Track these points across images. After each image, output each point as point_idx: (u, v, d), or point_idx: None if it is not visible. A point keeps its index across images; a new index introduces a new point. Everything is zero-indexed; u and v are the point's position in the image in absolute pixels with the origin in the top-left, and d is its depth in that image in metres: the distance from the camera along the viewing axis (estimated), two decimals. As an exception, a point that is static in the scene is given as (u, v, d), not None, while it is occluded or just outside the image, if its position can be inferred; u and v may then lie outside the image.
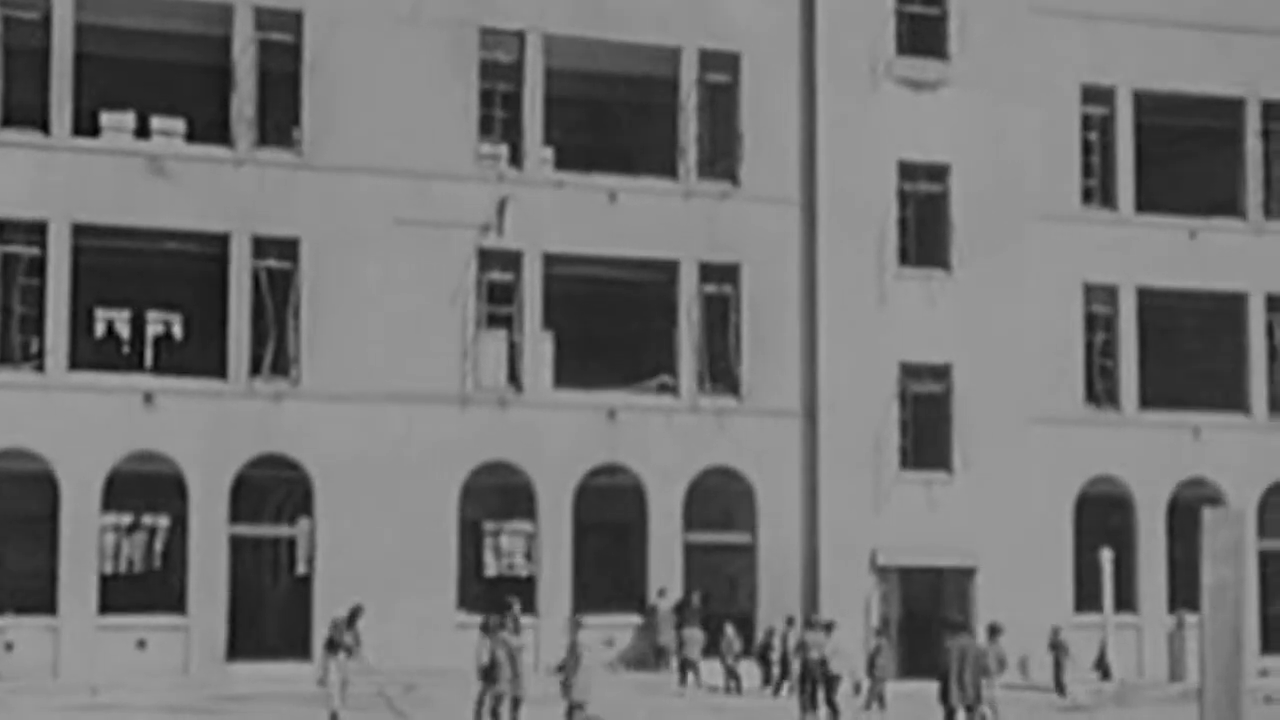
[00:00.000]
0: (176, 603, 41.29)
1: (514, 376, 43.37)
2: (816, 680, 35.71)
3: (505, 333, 43.45)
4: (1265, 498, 48.24)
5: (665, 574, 43.62)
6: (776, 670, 41.32)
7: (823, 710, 35.76)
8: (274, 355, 41.69)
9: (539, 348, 43.66)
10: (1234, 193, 49.62)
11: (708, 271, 44.82)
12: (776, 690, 40.77)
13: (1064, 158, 47.55)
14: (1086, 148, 48.05)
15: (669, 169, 44.95)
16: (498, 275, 43.36)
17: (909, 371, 45.84)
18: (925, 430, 45.83)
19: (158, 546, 56.72)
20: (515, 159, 43.81)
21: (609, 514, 44.97)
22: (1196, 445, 47.95)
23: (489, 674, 28.93)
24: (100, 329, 50.87)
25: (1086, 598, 46.03)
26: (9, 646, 39.40)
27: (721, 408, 44.53)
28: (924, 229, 46.37)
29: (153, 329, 52.68)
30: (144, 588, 49.78)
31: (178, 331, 52.42)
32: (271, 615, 46.39)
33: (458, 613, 41.98)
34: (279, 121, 42.46)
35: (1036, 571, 45.66)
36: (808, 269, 45.36)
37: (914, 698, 36.69)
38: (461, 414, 42.55)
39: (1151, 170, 48.62)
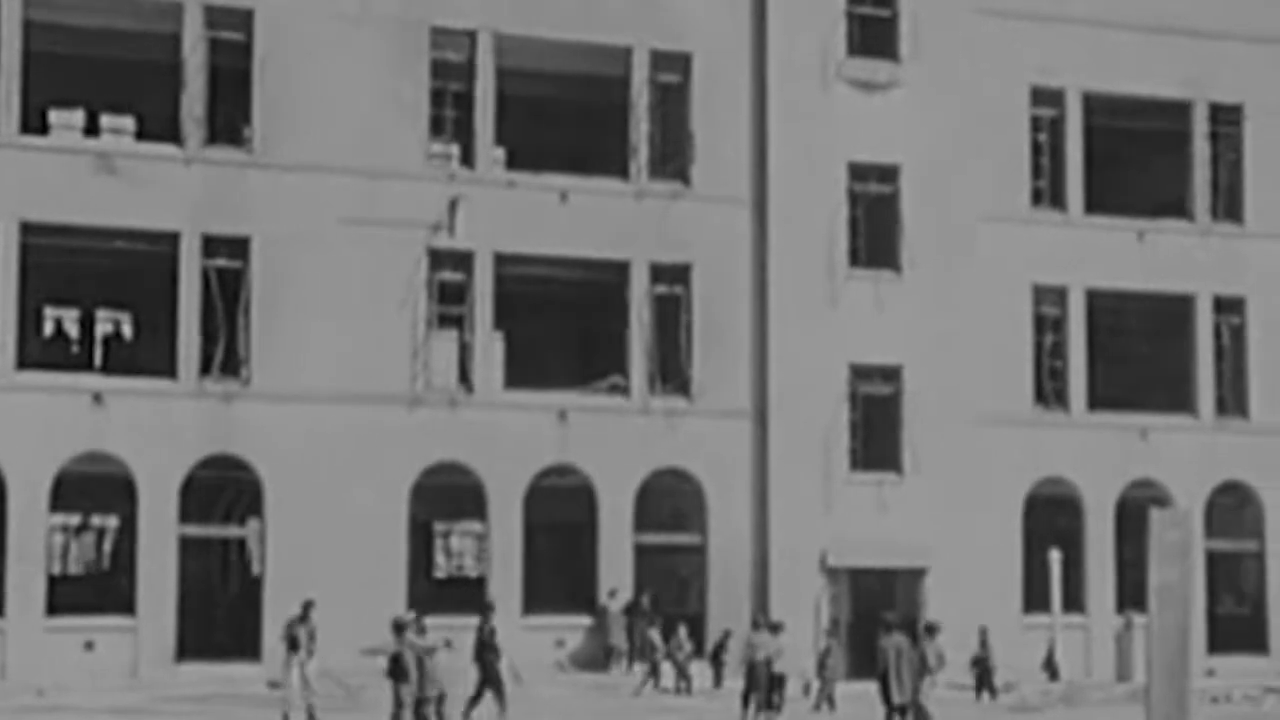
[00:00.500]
0: (125, 604, 41.08)
1: (465, 377, 43.32)
2: (761, 680, 35.72)
3: (456, 333, 43.40)
4: (1212, 498, 48.50)
5: (616, 575, 43.63)
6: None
7: (762, 710, 35.80)
8: (224, 355, 41.55)
9: (490, 348, 43.62)
10: (1182, 195, 49.89)
11: (659, 272, 44.85)
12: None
13: (1013, 159, 47.74)
14: (1036, 149, 48.25)
15: (620, 169, 44.96)
16: (449, 275, 43.31)
17: (859, 373, 45.95)
18: (875, 431, 45.95)
19: (106, 547, 56.45)
20: (466, 159, 43.76)
21: (559, 515, 44.94)
22: (1144, 446, 48.19)
23: (396, 674, 29.01)
24: (49, 328, 50.62)
25: (1035, 598, 46.21)
26: (-44, 648, 39.19)
27: (672, 408, 44.55)
28: (874, 230, 46.49)
29: (102, 328, 52.44)
30: (92, 589, 49.51)
31: (127, 331, 52.18)
32: (221, 616, 46.18)
33: (408, 614, 41.82)
34: (229, 120, 42.31)
35: (986, 572, 45.81)
36: (758, 270, 45.43)
37: (864, 698, 36.67)
38: (412, 414, 42.48)
39: (1100, 172, 48.85)
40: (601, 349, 45.81)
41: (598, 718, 35.74)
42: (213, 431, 41.19)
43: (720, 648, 42.23)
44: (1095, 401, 48.19)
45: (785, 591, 44.30)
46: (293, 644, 32.77)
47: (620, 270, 44.74)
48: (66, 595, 42.09)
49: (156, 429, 40.73)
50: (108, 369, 47.14)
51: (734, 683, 39.50)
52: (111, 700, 36.28)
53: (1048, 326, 47.99)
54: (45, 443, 40.01)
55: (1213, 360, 49.45)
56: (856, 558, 45.21)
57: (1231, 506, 49.09)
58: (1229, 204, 49.95)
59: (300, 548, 41.15)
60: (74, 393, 40.74)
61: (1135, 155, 51.04)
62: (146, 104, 42.77)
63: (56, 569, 51.18)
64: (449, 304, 43.34)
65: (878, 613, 44.00)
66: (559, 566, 45.85)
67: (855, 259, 46.27)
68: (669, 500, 44.81)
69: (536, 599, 42.41)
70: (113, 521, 53.70)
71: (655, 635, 41.99)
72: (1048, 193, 48.34)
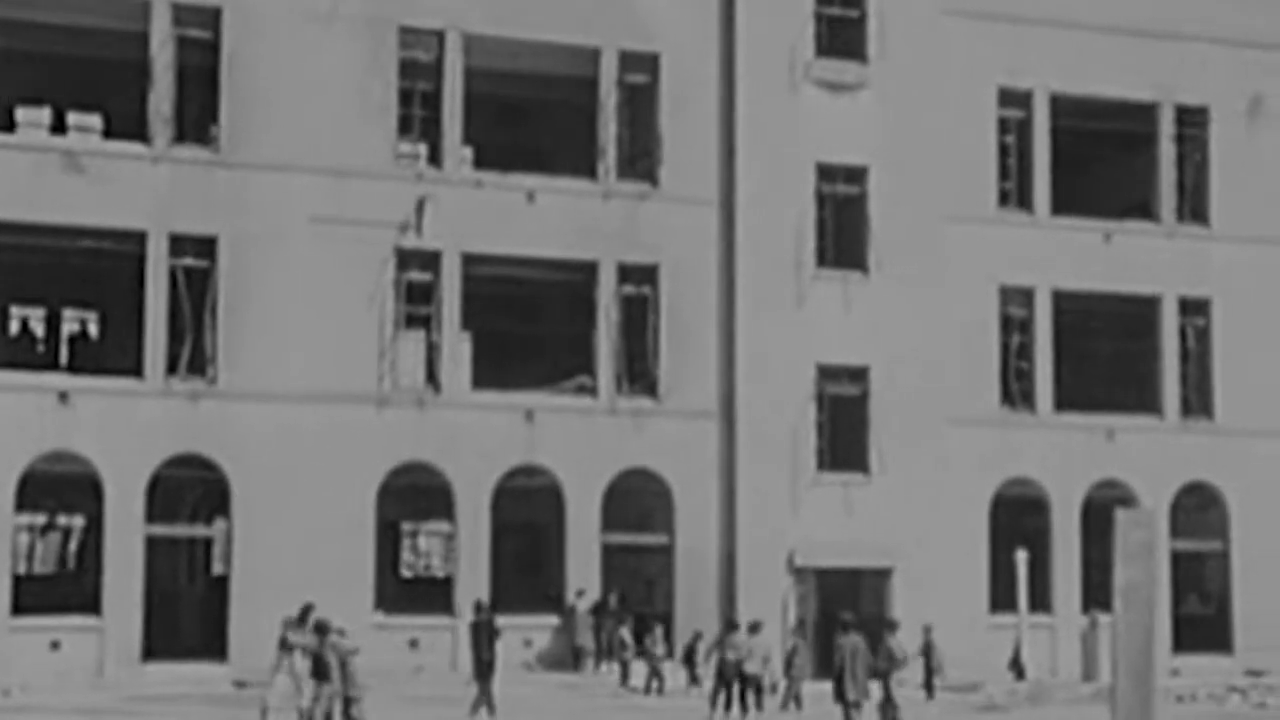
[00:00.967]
0: (91, 603, 40.95)
1: (432, 377, 43.29)
2: (731, 680, 35.82)
3: (423, 333, 43.37)
4: (1177, 499, 48.68)
5: (583, 575, 43.65)
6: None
7: (735, 709, 35.87)
8: (191, 354, 41.45)
9: (457, 348, 43.60)
10: (1148, 196, 50.09)
11: (626, 272, 44.88)
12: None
13: (981, 160, 47.88)
14: (1003, 151, 48.40)
15: (588, 169, 44.98)
16: (416, 275, 43.28)
17: (826, 373, 46.03)
18: (842, 432, 46.03)
19: (72, 547, 56.24)
20: (434, 158, 43.73)
21: (527, 515, 44.96)
22: (1110, 447, 48.36)
23: (318, 673, 29.07)
24: (15, 327, 50.45)
25: (1001, 598, 46.33)
26: (-80, 647, 39.05)
27: (639, 409, 44.59)
28: (842, 231, 46.58)
29: (68, 327, 52.28)
30: (58, 588, 49.33)
31: (93, 330, 52.03)
32: (187, 616, 46.07)
33: (375, 613, 41.89)
34: (197, 118, 42.23)
35: (952, 572, 45.92)
36: (726, 270, 45.48)
37: (830, 697, 36.80)
38: (379, 414, 42.44)
39: (1067, 173, 49.01)
40: (569, 349, 45.81)
41: (569, 717, 35.74)
42: (179, 431, 41.10)
43: (692, 649, 42.20)
44: (1061, 402, 48.35)
45: (752, 591, 44.36)
46: (284, 645, 32.72)
47: (588, 270, 44.75)
48: (32, 595, 41.94)
49: (123, 428, 40.63)
50: (74, 368, 46.99)
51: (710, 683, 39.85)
52: (77, 700, 36.17)
53: (1014, 327, 48.13)
54: (11, 442, 39.85)
55: (1178, 361, 49.66)
56: (823, 558, 45.30)
57: (1196, 507, 49.29)
58: (1194, 206, 50.16)
59: (267, 548, 41.09)
60: (40, 392, 40.61)
61: (1102, 157, 51.25)
62: (113, 102, 42.65)
63: (22, 569, 50.95)
64: (416, 304, 43.31)
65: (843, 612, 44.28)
66: (526, 567, 45.87)
67: (823, 260, 46.36)
68: (636, 500, 44.83)
69: (504, 599, 42.32)
70: (79, 521, 53.49)
71: (626, 634, 42.01)
72: (1015, 194, 48.49)
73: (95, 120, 42.15)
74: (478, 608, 36.06)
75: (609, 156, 44.94)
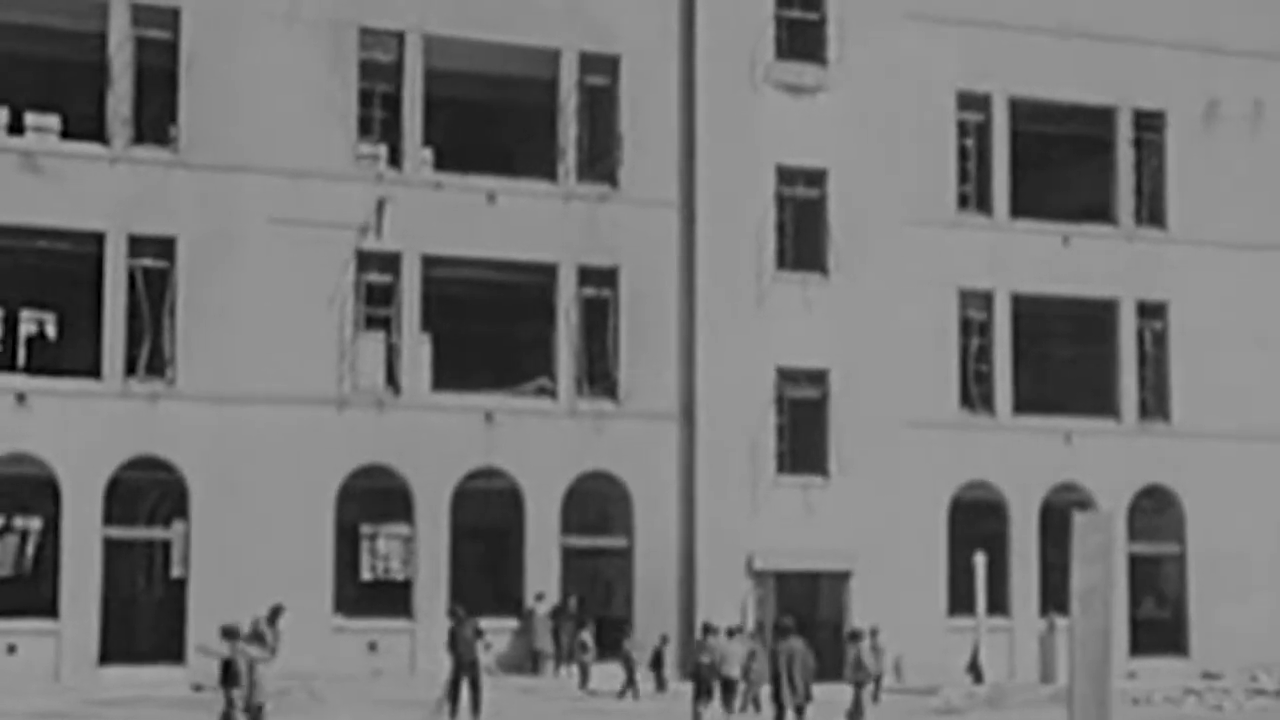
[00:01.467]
0: (48, 607, 40.72)
1: (392, 379, 43.21)
2: (708, 684, 36.05)
3: (383, 334, 43.29)
4: (1135, 502, 48.85)
5: (542, 578, 43.60)
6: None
7: (717, 710, 36.11)
8: (149, 356, 41.29)
9: (417, 350, 43.52)
10: (1106, 200, 50.27)
11: (586, 274, 44.86)
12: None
13: (940, 164, 47.98)
14: (962, 154, 48.52)
15: (548, 171, 44.95)
16: (376, 277, 43.20)
17: (786, 376, 46.09)
18: (802, 434, 46.08)
19: (29, 550, 56.05)
20: (394, 160, 43.64)
21: (486, 517, 44.92)
22: (1068, 450, 48.51)
23: (227, 679, 29.05)
24: (-29, 328, 50.27)
25: (960, 601, 46.44)
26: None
27: (599, 411, 44.57)
28: (801, 233, 46.64)
29: (26, 328, 52.10)
30: (15, 591, 49.16)
31: (51, 331, 51.86)
32: (145, 619, 45.94)
33: (334, 616, 41.81)
34: (156, 119, 42.07)
35: (911, 575, 46.01)
36: (686, 272, 45.50)
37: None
38: (339, 416, 42.34)
39: (1026, 177, 49.17)
40: (529, 351, 45.78)
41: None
42: (137, 432, 40.94)
43: (660, 654, 42.11)
44: (1020, 405, 48.49)
45: (712, 594, 44.37)
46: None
47: (548, 272, 44.72)
48: (-11, 597, 41.80)
49: (81, 430, 40.45)
50: (31, 369, 46.80)
51: (677, 687, 39.98)
52: (34, 704, 35.94)
53: (973, 330, 48.24)
54: (-33, 444, 39.72)
55: (1136, 364, 49.83)
56: (783, 561, 45.34)
57: (1153, 510, 49.49)
58: (1152, 209, 50.35)
59: (226, 550, 40.95)
60: (-3, 393, 40.44)
61: (1060, 160, 51.47)
62: (72, 102, 42.49)
63: (-22, 571, 50.85)
64: (376, 305, 43.22)
65: (804, 616, 44.31)
66: (486, 569, 45.82)
67: (782, 262, 46.41)
68: (596, 503, 44.82)
69: (463, 602, 42.13)
70: (36, 523, 53.33)
71: (588, 637, 41.93)
72: (974, 197, 48.60)
73: (53, 121, 41.97)
74: (455, 613, 35.83)
75: (569, 158, 44.93)
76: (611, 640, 42.19)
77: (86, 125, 41.83)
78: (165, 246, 41.49)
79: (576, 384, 44.55)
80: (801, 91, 46.81)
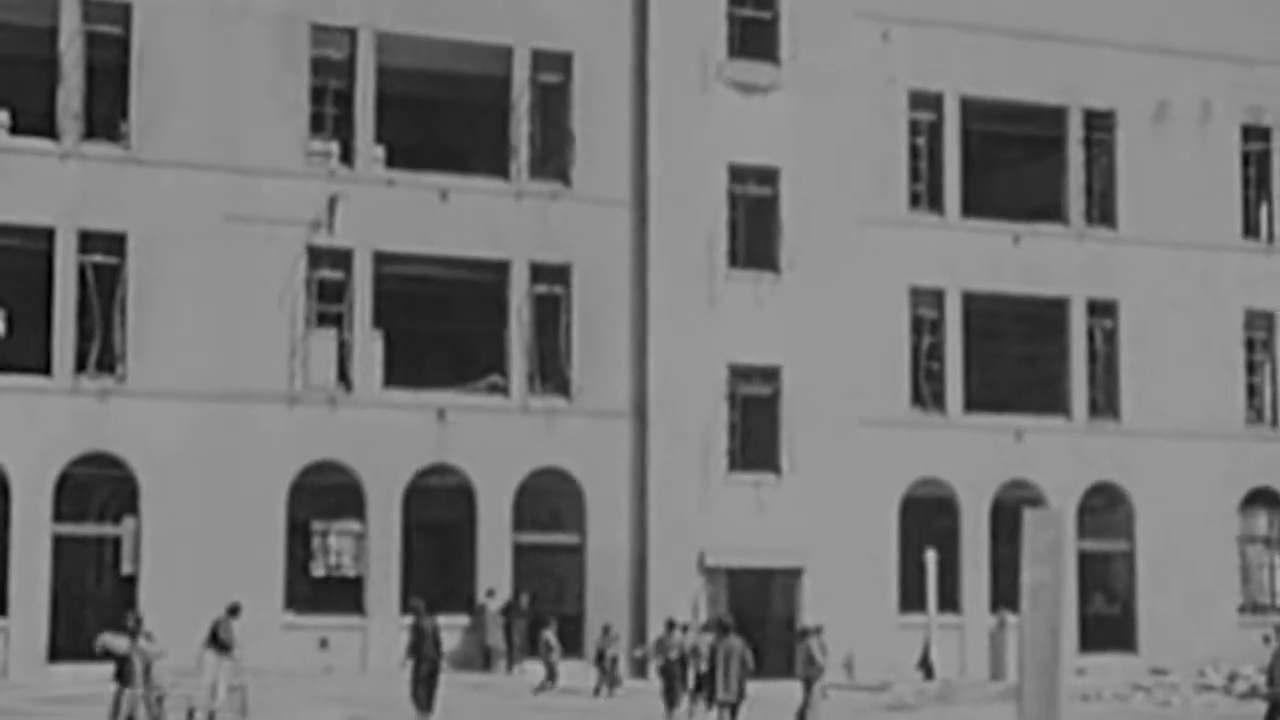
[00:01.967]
0: (-3, 603, 40.64)
1: (344, 375, 43.14)
2: (675, 678, 36.17)
3: (335, 331, 43.21)
4: (1084, 499, 49.07)
5: (494, 575, 43.60)
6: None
7: (685, 704, 36.23)
8: (100, 352, 41.14)
9: (369, 347, 43.45)
10: (1056, 199, 50.48)
11: (538, 272, 44.85)
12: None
13: (891, 163, 48.11)
14: (914, 153, 48.65)
15: (500, 169, 44.93)
16: (328, 273, 43.12)
17: (738, 373, 46.17)
18: (754, 432, 46.17)
19: (-22, 546, 55.65)
20: (346, 156, 43.56)
21: (438, 514, 44.87)
22: (1019, 447, 48.70)
23: (121, 676, 29.00)
24: (-81, 324, 49.93)
25: (911, 598, 46.59)
26: None
27: (551, 408, 44.58)
28: (753, 232, 46.72)
29: (-26, 324, 51.72)
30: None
31: (0, 327, 51.47)
32: (95, 616, 45.61)
33: (285, 613, 41.72)
34: (106, 115, 41.92)
35: (863, 572, 46.14)
36: (638, 270, 45.54)
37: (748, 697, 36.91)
38: (290, 413, 42.26)
39: (977, 176, 49.36)
40: (481, 348, 45.74)
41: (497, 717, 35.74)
42: (87, 429, 40.79)
43: (603, 651, 41.98)
44: (971, 403, 48.66)
45: (663, 591, 44.44)
46: (215, 642, 32.56)
47: (500, 270, 44.71)
48: (-63, 595, 41.55)
49: (30, 426, 40.29)
50: (-20, 366, 46.53)
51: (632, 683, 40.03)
52: (-18, 701, 35.84)
53: (925, 328, 48.38)
54: (-84, 440, 39.51)
55: (1086, 363, 50.06)
56: (734, 558, 45.42)
57: (1103, 507, 49.72)
58: (1102, 209, 50.59)
59: (176, 547, 40.84)
60: (-54, 389, 40.24)
61: (1011, 160, 51.66)
62: (22, 98, 42.26)
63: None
64: (328, 302, 43.14)
65: (756, 613, 44.45)
66: (437, 566, 45.76)
67: (734, 260, 46.48)
68: (548, 500, 44.82)
69: (415, 599, 42.19)
70: (-16, 520, 52.95)
71: (551, 636, 41.79)
72: (925, 196, 48.75)
73: (3, 116, 41.77)
74: (417, 610, 35.58)
75: (521, 156, 44.92)
76: (573, 639, 42.17)
77: (37, 121, 41.64)
78: (116, 242, 41.34)
79: (529, 381, 44.55)
80: (754, 90, 46.89)
